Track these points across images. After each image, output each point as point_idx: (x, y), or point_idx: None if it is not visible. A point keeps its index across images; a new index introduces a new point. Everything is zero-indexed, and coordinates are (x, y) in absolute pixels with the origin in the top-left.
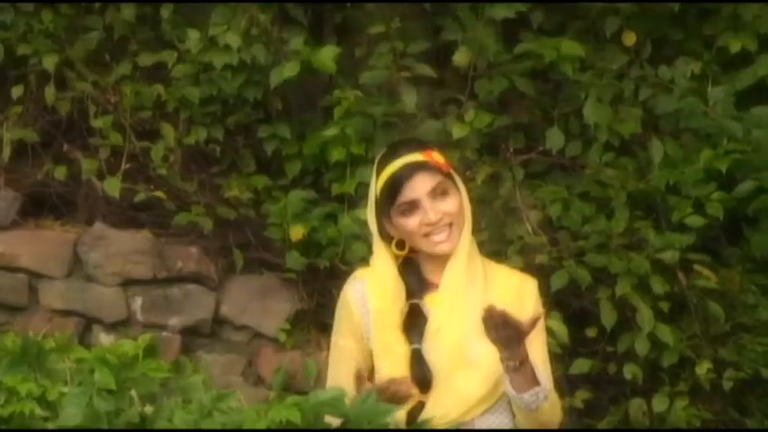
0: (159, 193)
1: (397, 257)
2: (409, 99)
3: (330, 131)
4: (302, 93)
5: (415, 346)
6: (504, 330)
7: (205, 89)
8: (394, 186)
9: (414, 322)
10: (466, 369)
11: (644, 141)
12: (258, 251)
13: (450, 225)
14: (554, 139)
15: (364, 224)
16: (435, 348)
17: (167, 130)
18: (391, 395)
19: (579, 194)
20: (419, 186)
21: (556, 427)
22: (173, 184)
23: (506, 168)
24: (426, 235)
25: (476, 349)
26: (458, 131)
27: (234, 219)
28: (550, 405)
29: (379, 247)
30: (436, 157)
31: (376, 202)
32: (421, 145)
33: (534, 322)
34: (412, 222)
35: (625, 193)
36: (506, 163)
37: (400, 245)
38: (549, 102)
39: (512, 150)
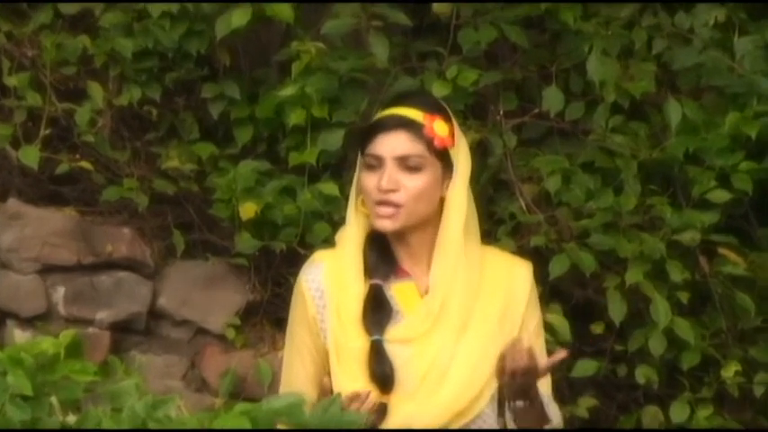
0: (85, 164)
1: (366, 229)
2: (381, 52)
3: (287, 91)
4: (254, 45)
5: (376, 337)
6: (522, 377)
7: (139, 41)
8: (369, 133)
9: (374, 308)
10: (444, 379)
11: (658, 102)
12: (202, 232)
13: (400, 206)
14: (552, 99)
15: (327, 200)
16: (413, 356)
17: (95, 89)
18: None
19: (582, 165)
20: (391, 145)
21: None
22: (101, 153)
23: (496, 134)
24: (378, 203)
25: (456, 359)
26: (438, 90)
27: (173, 194)
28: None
29: (351, 208)
30: (437, 127)
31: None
32: (430, 105)
33: (555, 363)
34: (369, 181)
35: (636, 164)
36: (496, 128)
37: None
38: (547, 56)
39: (502, 113)
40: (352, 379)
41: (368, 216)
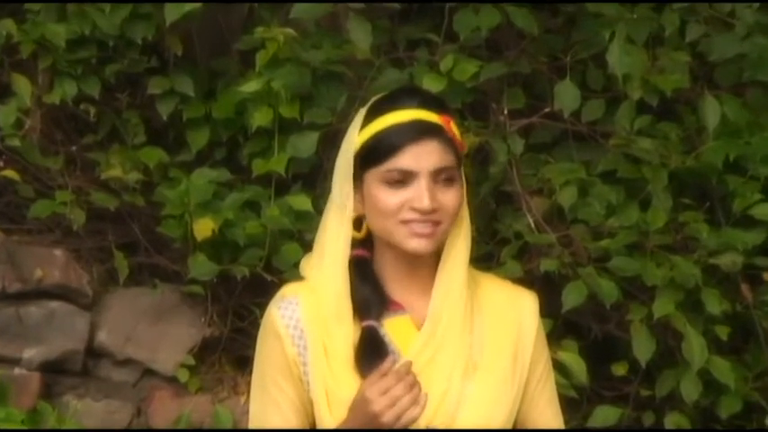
0: (10, 173)
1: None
2: (362, 40)
3: (250, 86)
4: (211, 31)
5: None
6: None
7: (74, 27)
8: (388, 142)
9: (370, 353)
10: (451, 427)
11: (693, 100)
12: (149, 255)
13: (439, 224)
14: (566, 96)
15: (298, 216)
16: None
17: (21, 84)
18: (392, 402)
19: (601, 175)
20: (425, 158)
21: None
22: (29, 161)
23: (499, 138)
24: (406, 222)
25: (466, 404)
26: (430, 85)
27: (115, 209)
28: None
29: (335, 233)
30: (455, 130)
31: (353, 163)
32: (437, 104)
33: None
34: (394, 199)
35: (666, 173)
36: (499, 130)
37: (358, 224)
38: (559, 44)
39: (506, 112)
40: None
41: (357, 239)
